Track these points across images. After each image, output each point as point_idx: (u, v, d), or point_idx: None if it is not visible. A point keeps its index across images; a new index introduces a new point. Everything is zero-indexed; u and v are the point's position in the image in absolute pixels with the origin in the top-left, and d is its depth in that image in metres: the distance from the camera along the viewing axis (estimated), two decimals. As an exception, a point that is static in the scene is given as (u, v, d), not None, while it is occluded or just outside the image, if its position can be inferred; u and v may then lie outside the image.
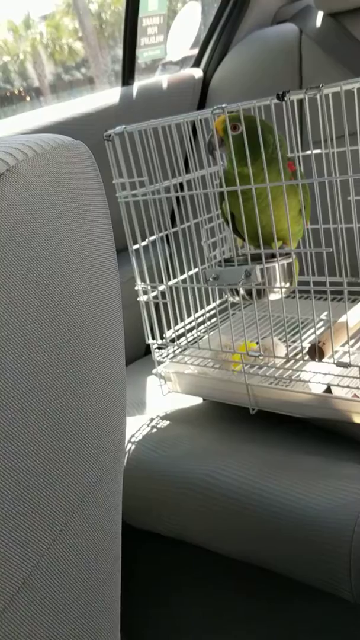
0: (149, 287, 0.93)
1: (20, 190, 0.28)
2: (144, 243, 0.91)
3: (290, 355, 0.84)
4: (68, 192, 0.32)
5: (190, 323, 0.98)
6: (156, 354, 0.97)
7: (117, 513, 0.37)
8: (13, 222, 0.28)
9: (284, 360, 0.85)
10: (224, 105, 0.76)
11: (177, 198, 0.97)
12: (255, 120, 0.75)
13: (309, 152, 0.82)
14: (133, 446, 0.89)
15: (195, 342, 0.98)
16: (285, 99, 0.69)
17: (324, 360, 0.80)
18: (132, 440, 0.91)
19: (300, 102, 1.13)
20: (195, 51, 1.41)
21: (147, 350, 1.25)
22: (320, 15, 1.21)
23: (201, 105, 1.38)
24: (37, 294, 0.29)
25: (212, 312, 1.02)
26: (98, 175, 0.35)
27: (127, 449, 0.89)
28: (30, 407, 0.29)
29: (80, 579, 0.33)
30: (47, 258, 0.30)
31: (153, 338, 0.95)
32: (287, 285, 0.83)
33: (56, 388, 0.30)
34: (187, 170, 0.96)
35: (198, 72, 1.37)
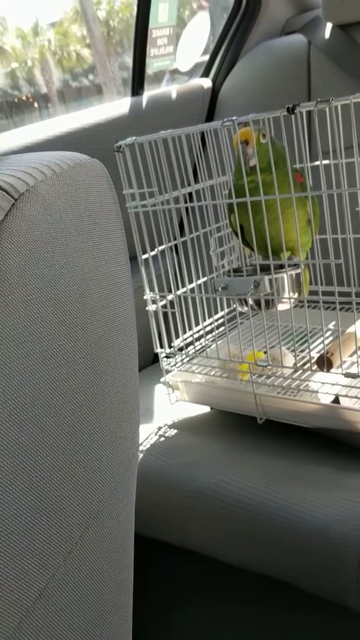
0: (157, 297, 0.93)
1: (39, 210, 0.29)
2: (153, 252, 0.92)
3: (298, 365, 0.85)
4: (85, 211, 0.32)
5: (198, 332, 0.98)
6: (164, 363, 0.97)
7: (130, 524, 0.38)
8: (33, 241, 0.28)
9: (292, 370, 0.86)
10: (234, 118, 0.77)
11: (186, 208, 0.97)
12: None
13: (317, 163, 0.82)
14: (140, 454, 0.90)
15: (203, 351, 0.98)
16: (296, 111, 0.69)
17: (332, 370, 0.80)
18: (140, 448, 0.91)
19: (309, 113, 1.14)
20: (205, 59, 1.42)
21: (155, 359, 1.25)
22: (329, 26, 1.22)
23: (210, 115, 1.39)
24: (55, 311, 0.29)
25: (220, 321, 1.03)
26: (113, 193, 0.36)
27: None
28: (48, 422, 0.29)
29: (95, 589, 0.34)
30: (65, 276, 0.30)
31: (161, 347, 0.96)
32: (296, 295, 0.84)
33: (73, 403, 0.31)
34: (196, 180, 0.97)
35: (207, 82, 1.38)
